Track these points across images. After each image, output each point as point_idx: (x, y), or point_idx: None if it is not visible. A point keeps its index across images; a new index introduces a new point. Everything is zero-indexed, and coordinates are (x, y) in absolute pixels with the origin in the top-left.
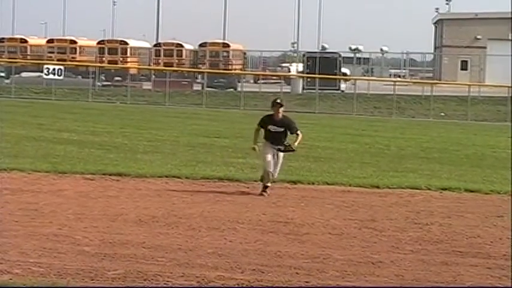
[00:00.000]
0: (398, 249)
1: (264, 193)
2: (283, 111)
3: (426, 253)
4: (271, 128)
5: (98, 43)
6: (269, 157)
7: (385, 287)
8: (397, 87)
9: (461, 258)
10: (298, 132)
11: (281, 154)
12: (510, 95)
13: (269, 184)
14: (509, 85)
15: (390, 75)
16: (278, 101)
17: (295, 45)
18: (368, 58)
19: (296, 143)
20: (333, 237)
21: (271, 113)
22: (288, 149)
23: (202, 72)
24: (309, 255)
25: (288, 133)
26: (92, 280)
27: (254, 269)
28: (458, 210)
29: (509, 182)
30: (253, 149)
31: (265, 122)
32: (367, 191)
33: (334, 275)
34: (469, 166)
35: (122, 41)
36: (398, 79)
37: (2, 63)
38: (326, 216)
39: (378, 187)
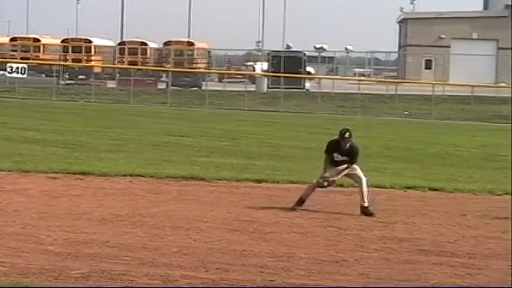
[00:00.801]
0: (363, 248)
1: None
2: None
3: (390, 252)
4: (335, 156)
5: (62, 41)
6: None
7: (350, 286)
8: (361, 86)
9: (425, 256)
10: (355, 165)
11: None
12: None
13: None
14: (472, 84)
15: (355, 74)
16: (347, 135)
17: (260, 44)
18: (332, 57)
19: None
20: (297, 235)
21: (338, 139)
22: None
23: (167, 70)
24: (273, 254)
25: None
26: (56, 279)
27: (219, 268)
28: (422, 208)
29: (473, 180)
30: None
31: (331, 149)
32: (332, 189)
33: (299, 274)
34: (433, 165)
35: (85, 39)
36: (363, 78)
37: None
38: (291, 215)
39: (342, 185)
